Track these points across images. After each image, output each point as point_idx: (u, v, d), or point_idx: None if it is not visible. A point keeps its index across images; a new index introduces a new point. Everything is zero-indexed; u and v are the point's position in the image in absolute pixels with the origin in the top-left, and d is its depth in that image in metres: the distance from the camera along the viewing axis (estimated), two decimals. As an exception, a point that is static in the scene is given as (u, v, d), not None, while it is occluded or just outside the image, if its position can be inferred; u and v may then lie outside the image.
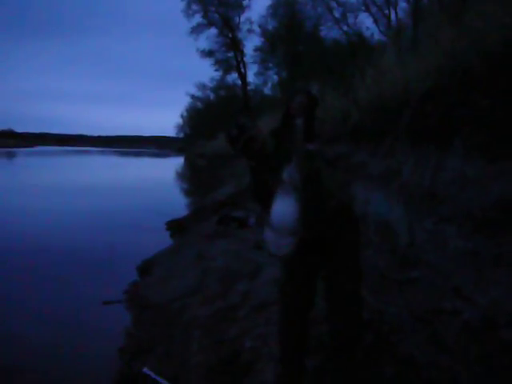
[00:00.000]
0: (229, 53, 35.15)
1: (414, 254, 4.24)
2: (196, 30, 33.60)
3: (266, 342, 3.77)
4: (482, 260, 3.34)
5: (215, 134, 33.47)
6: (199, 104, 53.55)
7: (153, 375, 3.80)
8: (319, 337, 3.29)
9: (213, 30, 34.33)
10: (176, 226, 10.87)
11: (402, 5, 20.19)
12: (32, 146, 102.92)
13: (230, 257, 6.42)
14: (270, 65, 32.25)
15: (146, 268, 7.40)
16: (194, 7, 33.00)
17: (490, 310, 3.03)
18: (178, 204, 15.82)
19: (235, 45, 34.41)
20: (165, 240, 9.68)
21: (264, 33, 31.36)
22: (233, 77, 36.77)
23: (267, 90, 34.76)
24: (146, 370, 3.90)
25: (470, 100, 4.11)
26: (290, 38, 28.07)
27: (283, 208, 2.38)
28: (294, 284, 2.84)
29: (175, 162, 49.09)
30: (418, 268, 4.03)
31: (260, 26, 31.71)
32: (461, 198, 3.95)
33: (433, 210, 4.31)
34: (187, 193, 21.36)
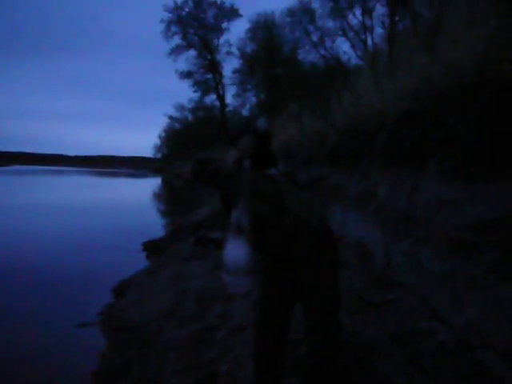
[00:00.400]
0: (207, 74, 35.53)
1: (390, 275, 4.27)
2: (175, 52, 33.98)
3: (243, 366, 3.72)
4: (457, 281, 3.37)
5: (193, 154, 33.47)
6: (177, 125, 53.73)
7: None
8: (296, 359, 3.27)
9: (192, 52, 34.79)
10: (152, 247, 10.76)
11: (378, 30, 20.66)
12: (8, 165, 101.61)
13: (207, 278, 6.37)
14: (249, 87, 32.63)
15: (121, 290, 7.29)
16: (174, 29, 33.45)
17: (465, 330, 3.06)
18: (155, 225, 15.69)
19: (214, 67, 34.75)
20: (141, 261, 9.56)
21: (242, 55, 31.81)
22: (211, 98, 37.12)
23: (245, 112, 35.06)
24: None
25: (444, 124, 4.19)
26: (268, 61, 28.42)
27: (234, 251, 2.39)
28: (267, 304, 2.83)
29: (152, 183, 48.82)
30: (395, 289, 4.05)
31: (239, 49, 32.21)
32: (436, 219, 4.00)
33: (409, 232, 4.35)
34: (164, 213, 21.22)
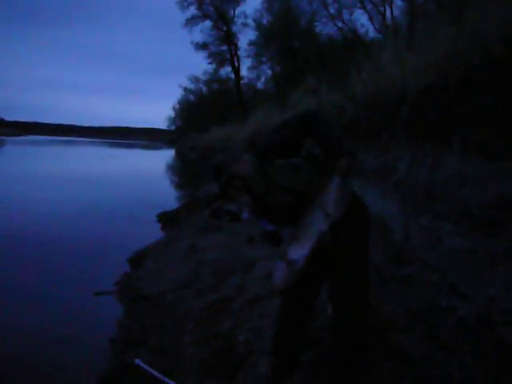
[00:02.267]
0: (223, 46, 35.11)
1: (409, 250, 4.25)
2: (190, 23, 33.57)
3: (260, 336, 3.75)
4: (478, 258, 3.34)
5: (207, 126, 33.40)
6: (191, 97, 53.44)
7: (145, 367, 3.77)
8: (315, 331, 3.28)
9: (207, 23, 34.33)
10: (167, 218, 10.82)
11: (398, 3, 20.26)
12: (22, 135, 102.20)
13: (223, 250, 6.40)
14: (264, 59, 32.22)
15: (137, 260, 7.36)
16: (189, -1, 32.88)
17: (485, 307, 3.04)
18: (170, 196, 15.77)
19: (229, 38, 34.35)
20: (156, 232, 9.64)
21: (258, 27, 31.31)
22: (226, 70, 36.79)
23: (260, 84, 34.77)
24: (138, 361, 3.88)
25: (469, 98, 4.11)
26: (284, 33, 28.01)
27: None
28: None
29: (166, 154, 48.94)
30: (413, 265, 4.04)
31: (255, 20, 31.67)
32: (458, 196, 3.95)
33: (429, 208, 4.31)
34: (179, 186, 21.28)
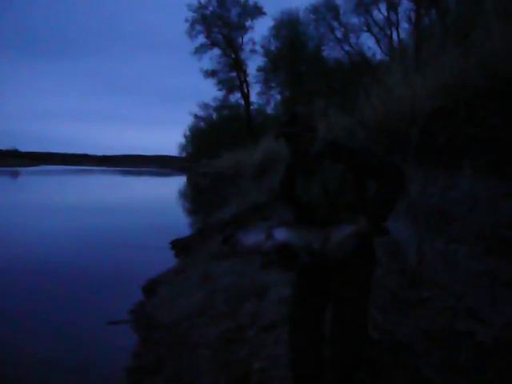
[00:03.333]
0: (232, 73, 35.61)
1: (424, 273, 4.20)
2: (199, 51, 34.10)
3: (276, 363, 3.72)
4: (495, 280, 3.31)
5: (218, 153, 33.58)
6: (202, 123, 53.92)
7: (161, 397, 3.75)
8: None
9: (216, 51, 34.88)
10: (181, 246, 10.83)
11: (404, 25, 20.49)
12: (37, 166, 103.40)
13: (236, 277, 6.38)
14: (273, 84, 32.65)
15: (151, 288, 7.36)
16: (198, 28, 33.55)
17: (504, 330, 2.99)
18: (182, 223, 15.80)
19: (238, 65, 34.80)
20: (169, 259, 9.64)
21: (267, 53, 31.77)
22: (236, 96, 37.22)
23: (270, 110, 35.08)
24: (153, 391, 3.86)
25: (478, 119, 4.11)
26: (292, 58, 28.36)
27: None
28: (300, 305, 2.82)
29: (178, 182, 49.13)
30: (429, 288, 3.99)
31: (263, 47, 32.21)
32: (471, 217, 3.93)
33: (442, 230, 4.28)
34: (191, 212, 21.32)
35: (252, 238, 2.59)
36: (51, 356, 5.07)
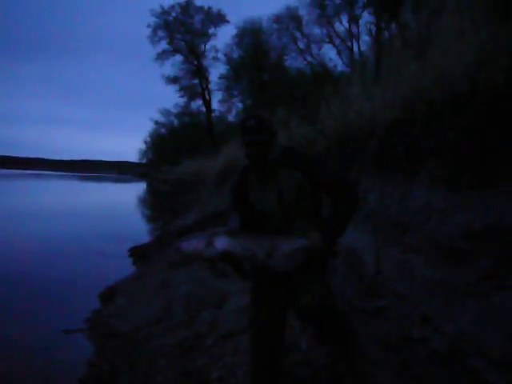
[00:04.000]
0: (194, 80, 35.46)
1: (381, 282, 4.27)
2: (161, 57, 33.90)
3: (234, 372, 3.71)
4: (450, 289, 3.38)
5: (179, 159, 33.39)
6: (163, 130, 53.53)
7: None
8: (291, 367, 3.25)
9: (178, 57, 34.72)
10: (139, 253, 10.69)
11: (365, 38, 20.88)
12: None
13: (195, 285, 6.34)
14: (235, 92, 32.65)
15: (108, 296, 7.23)
16: (160, 34, 33.35)
17: (458, 338, 3.06)
18: (141, 230, 15.61)
19: (200, 72, 34.71)
20: (127, 267, 9.50)
21: (229, 61, 31.81)
22: (197, 103, 37.04)
23: (231, 118, 35.09)
24: (108, 402, 3.78)
25: (435, 132, 4.21)
26: (254, 67, 28.47)
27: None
28: (260, 321, 2.80)
29: (137, 188, 48.58)
30: (386, 297, 4.05)
31: (225, 55, 32.20)
32: (427, 227, 4.02)
33: (399, 239, 4.36)
34: (150, 219, 21.09)
35: (193, 244, 2.55)
36: (2, 363, 4.91)
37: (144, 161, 70.69)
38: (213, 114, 35.87)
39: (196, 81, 35.37)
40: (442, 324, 3.27)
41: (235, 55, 31.19)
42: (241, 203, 2.83)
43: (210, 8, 33.85)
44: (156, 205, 27.94)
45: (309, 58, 24.77)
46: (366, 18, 21.12)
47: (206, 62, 34.72)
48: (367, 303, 4.12)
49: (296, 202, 2.61)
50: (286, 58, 26.90)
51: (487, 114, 3.66)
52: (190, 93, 35.94)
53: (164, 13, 32.93)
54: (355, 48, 21.77)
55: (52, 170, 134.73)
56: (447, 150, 4.01)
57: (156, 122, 52.05)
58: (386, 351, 3.44)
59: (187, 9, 33.53)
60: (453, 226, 3.67)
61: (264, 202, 2.70)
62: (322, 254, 2.55)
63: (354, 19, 21.97)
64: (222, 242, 2.52)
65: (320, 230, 2.50)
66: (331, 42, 23.19)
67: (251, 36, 29.18)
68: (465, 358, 2.93)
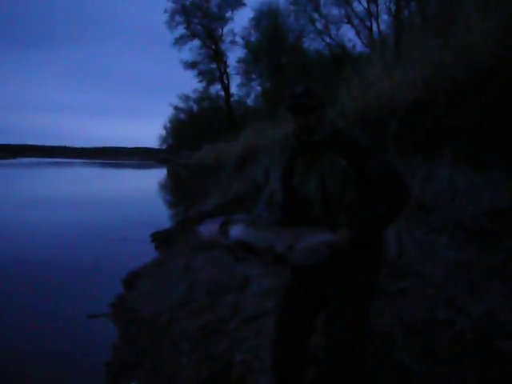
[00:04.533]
0: (212, 64, 35.33)
1: (404, 264, 4.23)
2: (179, 42, 33.77)
3: (257, 355, 3.71)
4: (474, 270, 3.34)
5: (199, 144, 33.46)
6: (182, 115, 53.62)
7: (141, 390, 3.72)
8: (313, 349, 3.24)
9: (196, 42, 34.55)
10: (161, 238, 10.77)
11: (384, 17, 20.55)
12: (12, 158, 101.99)
13: (218, 269, 6.36)
14: (253, 76, 32.52)
15: (131, 281, 7.31)
16: (177, 19, 33.18)
17: (483, 320, 3.02)
18: (163, 215, 15.72)
19: (218, 56, 34.57)
20: (150, 252, 9.58)
21: (247, 44, 31.61)
22: (216, 88, 36.96)
23: (250, 101, 34.98)
24: (134, 384, 3.84)
25: (458, 110, 4.13)
26: (272, 50, 28.23)
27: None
28: (290, 307, 2.66)
29: (158, 174, 48.89)
30: (409, 278, 4.02)
31: (243, 38, 32.03)
32: (451, 207, 3.96)
33: (422, 220, 4.31)
34: (171, 204, 21.23)
35: (209, 230, 2.46)
36: (30, 349, 5.01)
37: (164, 147, 71.12)
38: (232, 99, 35.82)
39: (214, 65, 35.26)
40: (467, 305, 3.24)
41: (253, 38, 31.01)
42: (285, 187, 2.68)
43: (226, -9, 33.58)
44: (177, 190, 28.08)
45: (327, 39, 24.44)
46: (385, -4, 20.77)
47: (223, 46, 34.58)
48: (390, 284, 4.09)
49: (339, 193, 2.39)
50: (304, 39, 26.59)
51: (511, 91, 3.57)
52: (208, 77, 35.86)
53: (181, -3, 32.76)
54: (374, 28, 21.44)
55: (74, 158, 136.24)
56: (470, 128, 3.92)
57: (175, 108, 52.18)
58: (410, 333, 3.42)
59: (203, -7, 33.33)
60: (477, 206, 3.60)
61: (306, 188, 2.52)
62: (347, 252, 2.30)
63: (372, -2, 21.60)
64: (237, 231, 2.39)
65: (351, 226, 2.28)
66: (350, 22, 22.82)
67: (268, 18, 28.92)
68: (491, 340, 2.90)
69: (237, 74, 33.65)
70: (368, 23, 22.11)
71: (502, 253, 3.15)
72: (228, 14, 34.12)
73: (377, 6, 21.38)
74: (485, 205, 3.52)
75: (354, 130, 5.97)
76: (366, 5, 21.95)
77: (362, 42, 21.90)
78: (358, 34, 22.59)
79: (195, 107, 48.00)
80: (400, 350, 3.25)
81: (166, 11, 32.72)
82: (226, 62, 34.87)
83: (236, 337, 4.21)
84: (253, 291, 5.16)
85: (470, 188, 3.80)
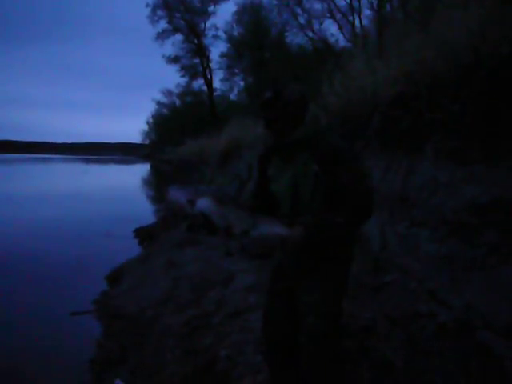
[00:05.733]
0: (195, 59, 35.18)
1: (386, 258, 4.27)
2: (161, 36, 33.57)
3: (241, 351, 3.72)
4: (456, 263, 3.38)
5: (182, 139, 33.33)
6: (165, 110, 53.31)
7: (126, 387, 3.71)
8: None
9: (178, 36, 34.38)
10: (144, 234, 10.72)
11: (366, 12, 20.62)
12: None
13: (201, 264, 6.35)
14: (236, 71, 32.40)
15: (115, 277, 7.26)
16: (160, 13, 32.98)
17: (465, 312, 3.06)
18: (146, 211, 15.65)
19: (201, 51, 34.42)
20: (133, 248, 9.52)
21: (230, 39, 31.50)
22: (199, 83, 36.82)
23: (233, 96, 34.91)
24: (118, 381, 3.82)
25: (439, 105, 4.17)
26: (255, 44, 28.20)
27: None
28: (271, 308, 2.68)
29: (141, 169, 48.62)
30: (392, 272, 4.05)
31: (226, 33, 31.87)
32: (432, 201, 4.00)
33: (405, 214, 4.35)
34: (154, 200, 21.12)
35: (178, 196, 2.50)
36: (12, 346, 4.96)
37: (147, 142, 70.73)
38: (215, 93, 35.70)
39: (197, 60, 35.11)
40: (449, 298, 3.28)
41: (235, 33, 30.92)
42: (260, 173, 2.67)
43: (209, -14, 33.45)
44: (159, 186, 27.97)
45: (310, 34, 24.46)
46: (368, -9, 20.87)
47: (206, 41, 34.42)
48: (373, 278, 4.12)
49: (309, 197, 2.39)
50: (286, 34, 26.58)
51: (492, 85, 3.61)
52: (191, 72, 35.70)
53: (163, -9, 32.55)
54: (357, 23, 21.52)
55: (56, 154, 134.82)
56: (452, 123, 3.96)
57: (158, 103, 51.91)
58: (392, 326, 3.45)
59: (186, -13, 33.16)
60: (458, 201, 3.64)
61: (278, 185, 2.52)
62: (297, 249, 2.33)
63: (355, -7, 21.68)
64: (203, 204, 2.42)
65: (307, 227, 2.28)
66: (332, 16, 22.80)
67: (251, 13, 28.85)
68: (472, 331, 2.94)
69: (220, 68, 33.51)
70: (350, 18, 22.16)
71: (482, 246, 3.19)
72: (211, 9, 34.01)
73: (359, 0, 21.50)
74: (466, 199, 3.57)
75: (334, 131, 6.00)
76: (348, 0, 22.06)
77: (345, 37, 21.93)
78: (340, 28, 22.63)
79: (178, 102, 47.80)
80: (383, 343, 3.28)
81: (147, 5, 32.51)
82: (208, 57, 34.75)
83: (220, 332, 4.21)
84: (237, 286, 5.17)
85: (451, 182, 3.84)
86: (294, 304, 2.55)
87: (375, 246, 4.55)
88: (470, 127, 3.76)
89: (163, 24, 33.49)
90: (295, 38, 25.57)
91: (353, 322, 3.55)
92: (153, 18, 32.89)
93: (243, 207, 2.57)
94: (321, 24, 23.98)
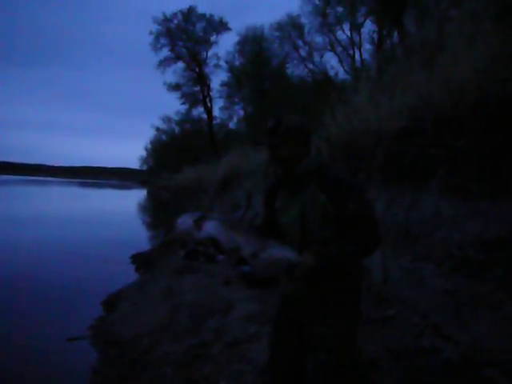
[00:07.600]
0: (195, 87, 35.50)
1: (389, 291, 4.25)
2: (163, 64, 33.95)
3: (241, 381, 3.68)
4: (461, 299, 3.36)
5: (180, 167, 33.40)
6: (164, 137, 53.55)
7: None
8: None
9: (180, 64, 34.78)
10: (142, 260, 10.66)
11: (367, 46, 21.00)
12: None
13: (200, 292, 6.31)
14: (236, 100, 32.72)
15: (111, 303, 7.20)
16: (162, 41, 33.42)
17: (470, 348, 3.04)
18: (143, 237, 15.60)
19: (202, 79, 34.77)
20: (130, 274, 9.46)
21: (231, 68, 31.91)
22: (199, 111, 37.05)
23: (232, 125, 35.15)
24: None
25: (444, 141, 4.21)
26: (256, 75, 28.53)
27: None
28: (278, 342, 2.62)
29: (138, 195, 48.60)
30: (395, 306, 4.03)
31: (227, 62, 32.30)
32: (436, 236, 4.01)
33: (408, 248, 4.34)
34: (151, 226, 21.08)
35: (184, 223, 2.47)
36: (7, 371, 4.88)
37: (145, 168, 70.81)
38: (214, 122, 35.94)
39: (197, 88, 35.43)
40: (454, 333, 3.26)
41: (237, 63, 31.33)
42: (268, 207, 2.69)
43: (211, 15, 33.95)
44: (157, 212, 27.93)
45: (310, 66, 24.86)
46: (369, 26, 21.27)
47: (207, 70, 34.82)
48: (376, 312, 4.10)
49: (317, 228, 2.39)
50: (287, 65, 26.98)
51: (498, 122, 3.66)
52: (191, 100, 35.99)
53: (166, 20, 33.02)
54: (357, 56, 21.90)
55: (53, 177, 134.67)
56: (457, 158, 4.00)
57: (157, 129, 52.13)
58: (395, 360, 3.42)
59: (189, 16, 33.63)
60: (463, 236, 3.65)
61: (286, 216, 2.53)
62: (309, 275, 2.34)
63: (355, 27, 22.09)
64: (210, 227, 2.40)
65: (318, 255, 2.28)
66: (333, 49, 23.28)
67: (253, 43, 29.26)
68: (477, 368, 2.91)
69: (220, 97, 33.86)
70: (351, 51, 22.60)
71: (489, 282, 3.19)
72: (213, 38, 34.47)
73: (360, 35, 21.90)
74: (471, 234, 3.57)
75: (339, 164, 6.03)
76: (349, 33, 22.48)
77: (345, 70, 22.33)
78: (340, 61, 23.05)
79: (177, 129, 48.05)
80: (387, 377, 3.25)
81: (151, 33, 32.96)
82: (209, 85, 35.10)
83: (219, 361, 4.16)
84: (236, 315, 5.13)
85: (456, 217, 3.85)
86: (303, 335, 2.51)
87: (377, 278, 4.53)
88: (474, 163, 3.79)
89: (166, 52, 33.94)
90: (296, 70, 25.98)
91: (357, 355, 3.52)
92: (155, 46, 33.34)
93: (252, 231, 2.57)
94: (321, 57, 24.41)
